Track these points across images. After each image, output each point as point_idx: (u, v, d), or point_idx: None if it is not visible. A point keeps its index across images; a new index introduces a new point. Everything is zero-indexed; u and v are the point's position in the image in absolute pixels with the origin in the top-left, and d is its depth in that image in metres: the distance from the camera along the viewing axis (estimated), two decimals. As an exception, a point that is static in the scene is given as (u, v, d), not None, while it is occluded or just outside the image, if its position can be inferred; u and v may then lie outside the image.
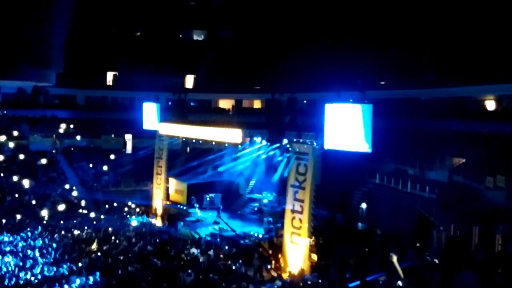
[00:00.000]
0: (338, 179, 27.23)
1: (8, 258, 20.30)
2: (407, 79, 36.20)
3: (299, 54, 41.87)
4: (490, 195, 21.71)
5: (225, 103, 50.20)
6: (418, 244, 20.53)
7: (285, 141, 21.07)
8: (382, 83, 38.67)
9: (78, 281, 17.33)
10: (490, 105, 32.07)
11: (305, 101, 42.91)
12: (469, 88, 31.75)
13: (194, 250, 21.42)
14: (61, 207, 29.79)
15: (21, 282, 17.57)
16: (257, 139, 22.84)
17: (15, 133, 37.88)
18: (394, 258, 14.89)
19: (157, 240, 23.29)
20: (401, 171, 28.97)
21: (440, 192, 24.36)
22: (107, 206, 30.97)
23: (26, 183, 32.01)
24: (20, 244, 22.64)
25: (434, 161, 27.90)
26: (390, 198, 27.24)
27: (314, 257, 19.53)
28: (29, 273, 18.40)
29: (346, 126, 18.17)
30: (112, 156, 38.13)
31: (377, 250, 20.48)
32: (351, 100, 18.36)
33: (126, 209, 31.18)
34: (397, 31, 36.65)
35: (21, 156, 35.95)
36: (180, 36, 52.29)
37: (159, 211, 30.25)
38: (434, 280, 15.27)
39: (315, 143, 19.68)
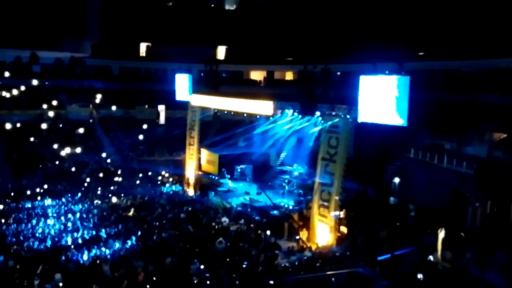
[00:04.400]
0: (371, 153, 26.80)
1: (51, 221, 21.49)
2: (447, 50, 34.57)
3: (333, 23, 40.67)
4: (532, 172, 20.84)
5: (257, 75, 49.82)
6: (452, 220, 20.13)
7: (317, 113, 20.81)
8: (421, 54, 37.15)
9: (116, 244, 18.18)
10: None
11: (338, 73, 41.94)
12: (514, 59, 30.05)
13: (225, 219, 21.90)
14: (99, 175, 31.01)
15: (63, 244, 18.62)
16: (289, 111, 22.67)
17: (54, 102, 39.21)
18: (442, 233, 14.57)
19: (190, 209, 23.94)
20: (437, 146, 28.12)
21: (478, 167, 23.56)
22: (141, 174, 31.94)
23: (65, 151, 33.36)
24: (61, 209, 23.86)
25: (473, 136, 26.89)
26: (425, 173, 26.59)
27: (344, 229, 19.58)
28: (70, 236, 19.45)
29: (381, 99, 17.69)
30: (146, 126, 39.00)
31: (409, 225, 20.27)
32: (387, 72, 17.78)
33: (160, 178, 32.08)
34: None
35: (60, 125, 37.37)
36: (212, 5, 51.77)
37: (191, 181, 30.93)
38: (468, 257, 15.01)
39: (348, 116, 19.37)
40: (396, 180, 25.94)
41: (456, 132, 27.71)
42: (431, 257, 14.73)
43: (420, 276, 12.26)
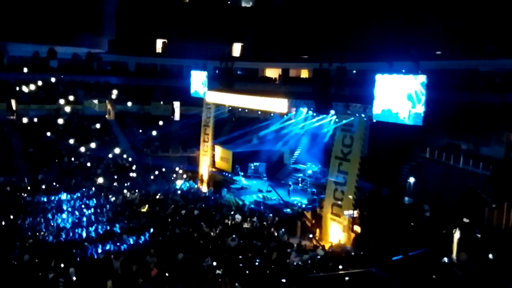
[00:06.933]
0: (386, 152, 26.49)
1: (66, 216, 21.78)
2: (465, 49, 33.92)
3: (350, 21, 40.27)
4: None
5: (272, 72, 49.67)
6: (467, 220, 19.81)
7: (332, 112, 20.66)
8: (438, 53, 36.53)
9: (130, 240, 18.35)
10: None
11: (354, 71, 41.52)
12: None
13: (238, 216, 21.93)
14: (114, 170, 31.32)
15: (77, 238, 18.86)
16: (304, 110, 22.53)
17: (71, 98, 39.72)
18: (457, 234, 14.42)
19: (203, 205, 24.03)
20: (453, 146, 27.70)
21: (494, 168, 23.13)
22: (156, 171, 32.17)
23: (81, 146, 33.77)
24: (76, 203, 24.15)
25: (490, 136, 26.38)
26: (440, 173, 26.25)
27: (358, 229, 19.43)
28: (84, 230, 19.70)
29: (397, 98, 17.49)
30: (161, 123, 39.24)
31: (424, 225, 19.99)
32: (403, 71, 17.57)
33: (173, 174, 32.27)
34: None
35: (77, 120, 37.87)
36: (229, 2, 51.77)
37: (205, 178, 31.05)
38: (484, 258, 14.74)
39: (363, 115, 19.19)
40: (411, 180, 25.62)
41: (473, 133, 27.24)
42: (445, 259, 14.53)
43: (434, 277, 12.10)
